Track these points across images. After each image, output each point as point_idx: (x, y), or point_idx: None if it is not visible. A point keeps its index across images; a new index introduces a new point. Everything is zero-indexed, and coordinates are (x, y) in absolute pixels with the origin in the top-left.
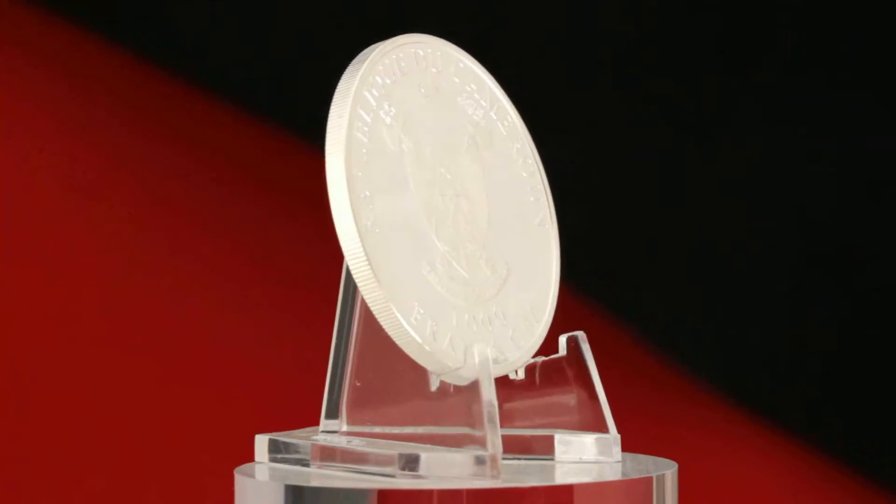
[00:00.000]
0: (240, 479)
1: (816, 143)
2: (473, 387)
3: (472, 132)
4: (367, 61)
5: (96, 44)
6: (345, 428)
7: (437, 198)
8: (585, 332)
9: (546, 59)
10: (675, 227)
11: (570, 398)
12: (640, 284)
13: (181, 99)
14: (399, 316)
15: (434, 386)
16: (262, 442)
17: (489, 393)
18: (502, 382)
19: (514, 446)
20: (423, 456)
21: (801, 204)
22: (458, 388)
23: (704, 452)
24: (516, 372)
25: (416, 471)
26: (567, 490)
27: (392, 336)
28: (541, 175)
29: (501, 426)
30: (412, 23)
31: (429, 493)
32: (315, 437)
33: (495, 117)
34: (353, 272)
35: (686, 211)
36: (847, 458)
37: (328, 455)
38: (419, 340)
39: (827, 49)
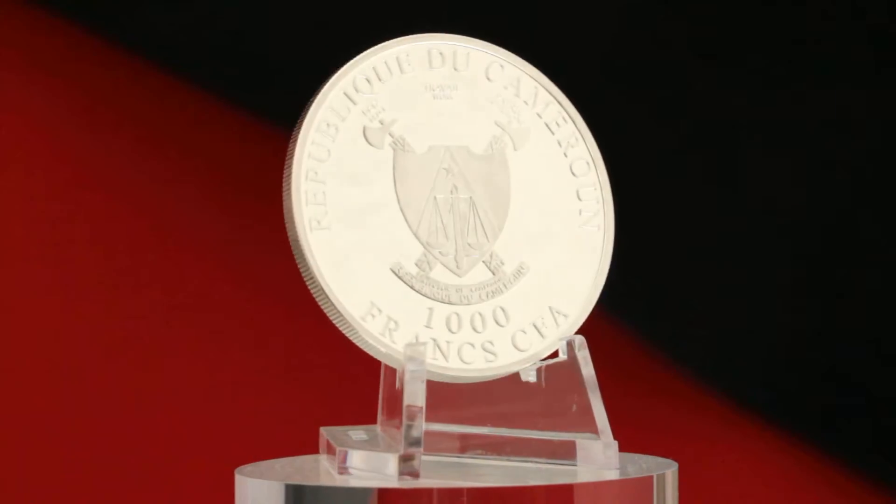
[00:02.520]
0: (240, 479)
1: (815, 145)
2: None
3: (500, 132)
4: (351, 62)
5: (74, 38)
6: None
7: (430, 197)
8: (586, 332)
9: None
10: (675, 228)
11: (570, 403)
12: (641, 285)
13: (180, 101)
14: (346, 313)
15: (398, 384)
16: (322, 435)
17: (410, 393)
18: (511, 383)
19: (535, 450)
20: (354, 454)
21: (803, 204)
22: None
23: (704, 452)
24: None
25: (346, 467)
26: (567, 490)
27: (344, 333)
28: (598, 177)
29: (508, 427)
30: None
31: (429, 492)
32: (350, 433)
33: (542, 118)
34: (300, 268)
35: (686, 211)
36: (847, 457)
37: (328, 450)
38: (364, 337)
39: (829, 51)
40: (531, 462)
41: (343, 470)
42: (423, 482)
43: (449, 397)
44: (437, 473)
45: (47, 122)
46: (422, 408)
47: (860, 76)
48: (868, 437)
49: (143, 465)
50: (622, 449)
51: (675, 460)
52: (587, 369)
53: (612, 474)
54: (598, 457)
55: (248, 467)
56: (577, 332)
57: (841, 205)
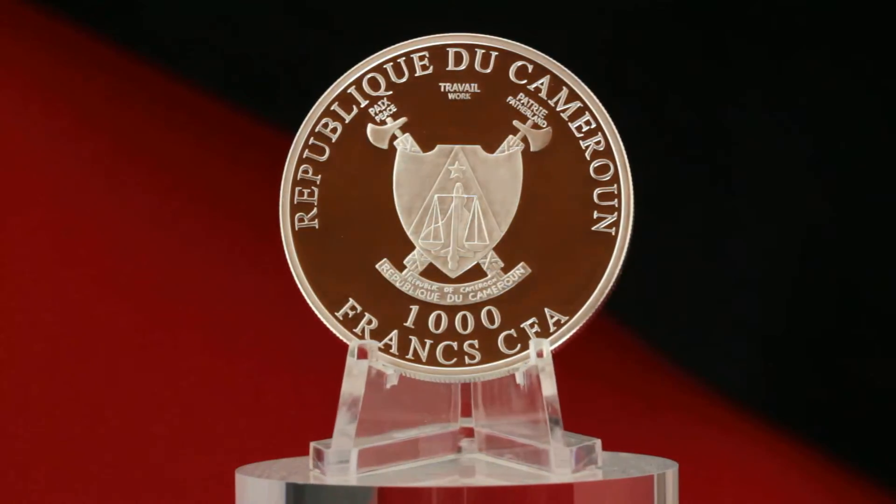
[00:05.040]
0: (240, 479)
1: (815, 145)
2: None
3: (518, 133)
4: (364, 61)
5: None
6: None
7: (430, 197)
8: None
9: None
10: (675, 227)
11: (538, 410)
12: (642, 285)
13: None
14: (322, 311)
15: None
16: None
17: (346, 386)
18: (511, 385)
19: (517, 453)
20: (321, 450)
21: (803, 205)
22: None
23: (704, 452)
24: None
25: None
26: (567, 489)
27: (330, 331)
28: (621, 179)
29: (502, 428)
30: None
31: (429, 491)
32: None
33: (567, 120)
34: (289, 265)
35: (686, 211)
36: (847, 456)
37: None
38: (339, 335)
39: (828, 54)
40: (522, 465)
41: (314, 464)
42: (424, 482)
43: (446, 397)
44: (437, 473)
45: (44, 124)
46: (357, 401)
47: (860, 74)
48: (868, 437)
49: (144, 465)
50: (623, 449)
51: (675, 460)
52: (543, 378)
53: (614, 470)
54: (553, 465)
55: (249, 467)
56: (575, 335)
57: (841, 204)
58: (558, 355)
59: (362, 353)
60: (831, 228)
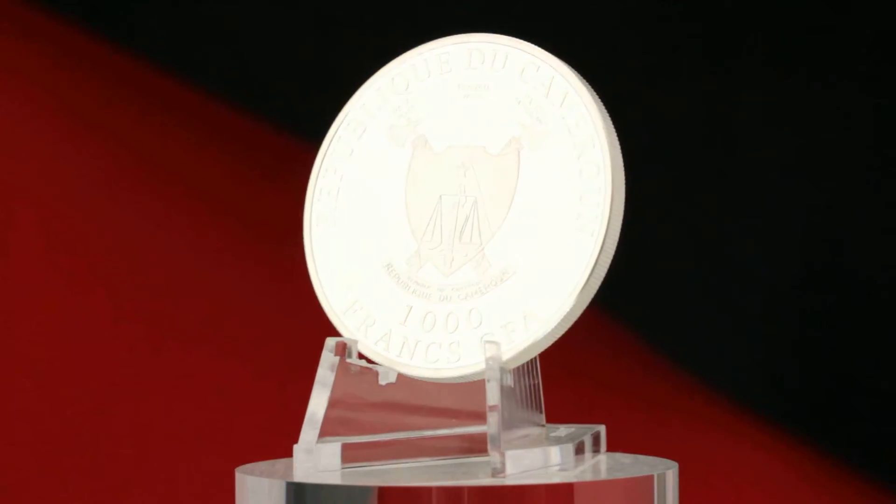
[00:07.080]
0: (240, 478)
1: (817, 144)
2: None
3: (520, 133)
4: (393, 62)
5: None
6: None
7: (436, 197)
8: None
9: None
10: (676, 227)
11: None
12: (642, 284)
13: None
14: (329, 307)
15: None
16: None
17: (317, 381)
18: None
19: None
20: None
21: (804, 206)
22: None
23: (704, 452)
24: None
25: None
26: (567, 489)
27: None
28: (607, 183)
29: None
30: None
31: (429, 490)
32: None
33: (566, 120)
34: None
35: (687, 210)
36: (846, 456)
37: None
38: (342, 332)
39: (826, 50)
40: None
41: None
42: (424, 482)
43: (480, 397)
44: (437, 473)
45: (44, 124)
46: (326, 396)
47: (864, 73)
48: (868, 438)
49: (144, 465)
50: (623, 449)
51: (675, 460)
52: (487, 383)
53: (615, 470)
54: (493, 472)
55: (249, 467)
56: (567, 335)
57: (843, 205)
58: (559, 355)
59: (340, 349)
60: (832, 228)
